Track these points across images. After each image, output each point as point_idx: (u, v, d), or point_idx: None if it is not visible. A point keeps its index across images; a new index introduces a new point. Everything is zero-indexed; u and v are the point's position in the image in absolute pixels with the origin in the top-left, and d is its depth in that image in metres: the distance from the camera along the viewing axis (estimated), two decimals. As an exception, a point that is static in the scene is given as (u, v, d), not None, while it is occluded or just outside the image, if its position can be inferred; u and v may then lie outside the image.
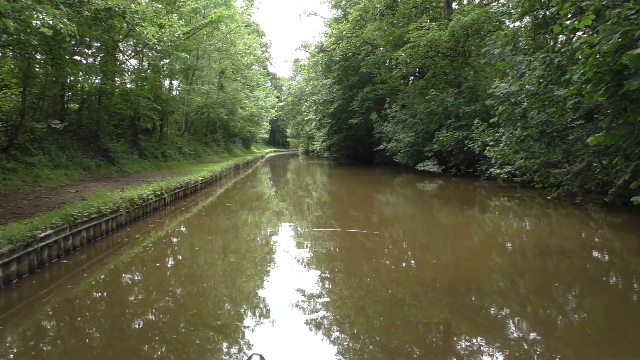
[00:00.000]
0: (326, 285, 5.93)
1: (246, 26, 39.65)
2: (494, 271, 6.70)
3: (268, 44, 62.07)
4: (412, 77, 30.39)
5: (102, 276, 6.12)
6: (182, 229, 9.75)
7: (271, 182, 23.31)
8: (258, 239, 8.82)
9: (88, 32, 12.14)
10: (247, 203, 13.86)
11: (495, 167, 16.36)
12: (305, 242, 8.45)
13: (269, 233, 9.38)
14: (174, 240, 8.67)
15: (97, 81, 16.13)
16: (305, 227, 10.06)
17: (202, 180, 15.72)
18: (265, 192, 17.68)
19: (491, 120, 15.01)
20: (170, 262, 7.09)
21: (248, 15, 43.33)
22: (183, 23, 19.33)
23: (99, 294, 5.68)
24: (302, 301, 5.28)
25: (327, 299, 5.42)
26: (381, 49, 28.51)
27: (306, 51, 49.42)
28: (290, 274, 6.27)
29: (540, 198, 14.02)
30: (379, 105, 29.55)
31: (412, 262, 7.23)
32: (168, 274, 6.41)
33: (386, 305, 5.21)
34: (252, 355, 1.70)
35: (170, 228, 9.43)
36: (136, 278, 6.31)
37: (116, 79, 20.09)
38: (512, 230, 10.10)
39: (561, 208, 12.08)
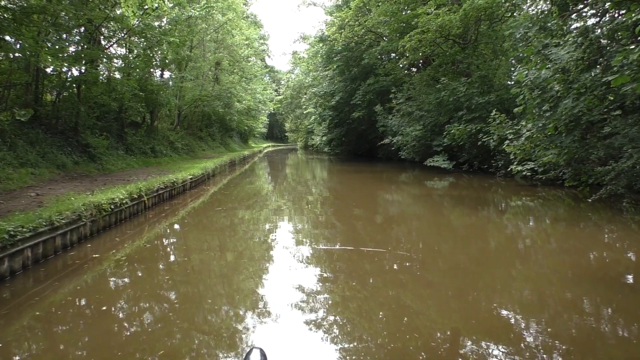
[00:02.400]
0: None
1: (245, 17, 37.90)
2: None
3: (266, 36, 60.25)
4: (415, 69, 28.78)
5: (32, 321, 4.61)
6: (155, 245, 7.88)
7: (268, 180, 21.66)
8: (248, 261, 6.95)
9: (60, 8, 10.54)
10: (240, 207, 12.21)
11: (515, 163, 14.85)
12: (310, 270, 6.37)
13: (263, 252, 7.48)
14: (139, 264, 6.53)
15: (74, 70, 14.60)
16: (309, 241, 8.20)
17: (191, 179, 14.18)
18: (261, 192, 16.00)
19: (515, 110, 13.46)
20: (127, 301, 5.17)
21: (245, 4, 41.48)
22: (171, 5, 17.76)
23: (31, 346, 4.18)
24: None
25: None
26: (385, 38, 26.86)
27: (306, 43, 47.61)
28: (290, 326, 4.58)
29: (570, 198, 12.54)
30: (383, 98, 27.99)
31: (472, 315, 4.93)
32: (122, 317, 4.81)
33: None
34: (252, 349, 1.48)
35: (140, 243, 7.65)
36: (76, 323, 4.76)
37: (104, 68, 18.58)
38: (564, 240, 8.59)
39: (594, 209, 10.59)
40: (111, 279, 5.89)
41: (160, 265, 6.66)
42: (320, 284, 5.63)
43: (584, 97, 10.12)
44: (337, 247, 7.50)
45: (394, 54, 27.51)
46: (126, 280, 5.86)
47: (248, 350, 1.62)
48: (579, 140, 11.04)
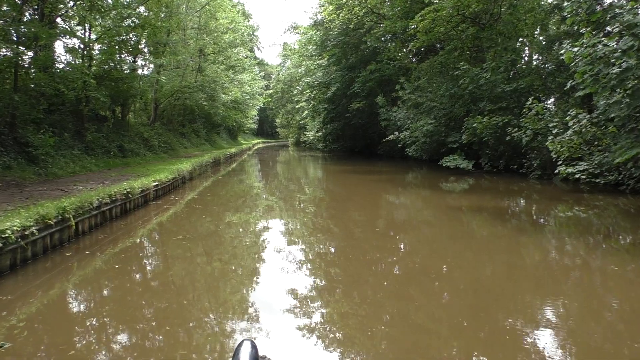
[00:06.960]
0: None
1: (232, 7, 34.66)
2: None
3: (255, 27, 56.91)
4: (420, 57, 25.88)
5: None
6: (45, 324, 4.27)
7: (254, 186, 17.69)
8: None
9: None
10: (213, 232, 8.63)
11: (561, 163, 12.06)
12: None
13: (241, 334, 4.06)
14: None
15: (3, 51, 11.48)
16: (315, 337, 4.05)
17: (156, 186, 11.12)
18: (245, 206, 12.15)
19: (577, 94, 10.66)
20: None
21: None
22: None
23: None
24: None
25: None
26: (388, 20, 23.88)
27: (297, 33, 44.38)
28: None
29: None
30: (385, 88, 25.07)
31: None
32: None
33: None
34: (243, 340, 1.41)
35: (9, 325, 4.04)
36: None
37: (69, 56, 15.42)
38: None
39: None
40: None
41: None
42: None
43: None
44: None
45: (397, 39, 24.51)
46: None
47: (239, 342, 1.36)
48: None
